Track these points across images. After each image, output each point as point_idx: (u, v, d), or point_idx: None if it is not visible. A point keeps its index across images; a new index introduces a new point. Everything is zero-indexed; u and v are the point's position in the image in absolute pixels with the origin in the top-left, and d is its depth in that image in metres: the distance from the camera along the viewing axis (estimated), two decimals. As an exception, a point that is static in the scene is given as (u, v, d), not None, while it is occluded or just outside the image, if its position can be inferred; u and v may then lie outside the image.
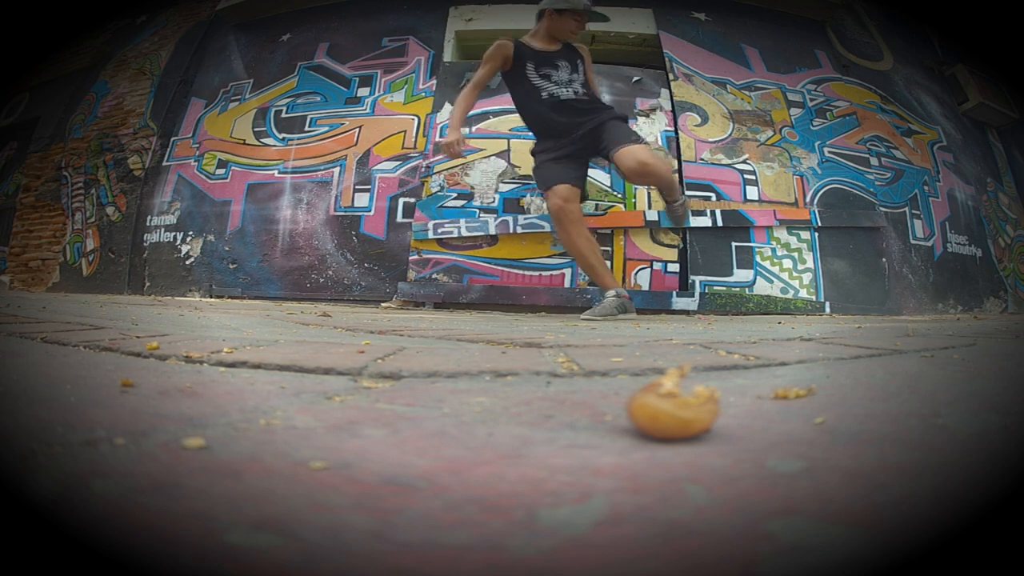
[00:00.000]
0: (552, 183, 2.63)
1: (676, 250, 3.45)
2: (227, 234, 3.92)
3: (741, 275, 3.42)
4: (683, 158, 3.59)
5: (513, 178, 3.52)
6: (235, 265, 3.86)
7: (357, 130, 3.90)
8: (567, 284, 3.40)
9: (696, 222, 3.44)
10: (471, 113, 3.64)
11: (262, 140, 4.07)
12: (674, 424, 0.41)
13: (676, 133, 3.67)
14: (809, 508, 0.28)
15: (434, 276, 3.45)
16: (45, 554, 0.23)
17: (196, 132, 4.30)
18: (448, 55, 4.04)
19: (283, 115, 4.10)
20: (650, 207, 3.51)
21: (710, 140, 3.69)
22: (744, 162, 3.66)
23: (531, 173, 2.93)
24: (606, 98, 3.58)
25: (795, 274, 3.47)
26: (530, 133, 2.92)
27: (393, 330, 1.44)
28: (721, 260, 3.43)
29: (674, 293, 3.34)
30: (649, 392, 0.42)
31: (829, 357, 0.91)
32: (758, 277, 3.43)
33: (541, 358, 0.87)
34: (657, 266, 3.42)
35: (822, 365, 0.83)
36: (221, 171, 4.07)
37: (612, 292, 2.56)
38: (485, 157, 3.59)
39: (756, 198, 3.58)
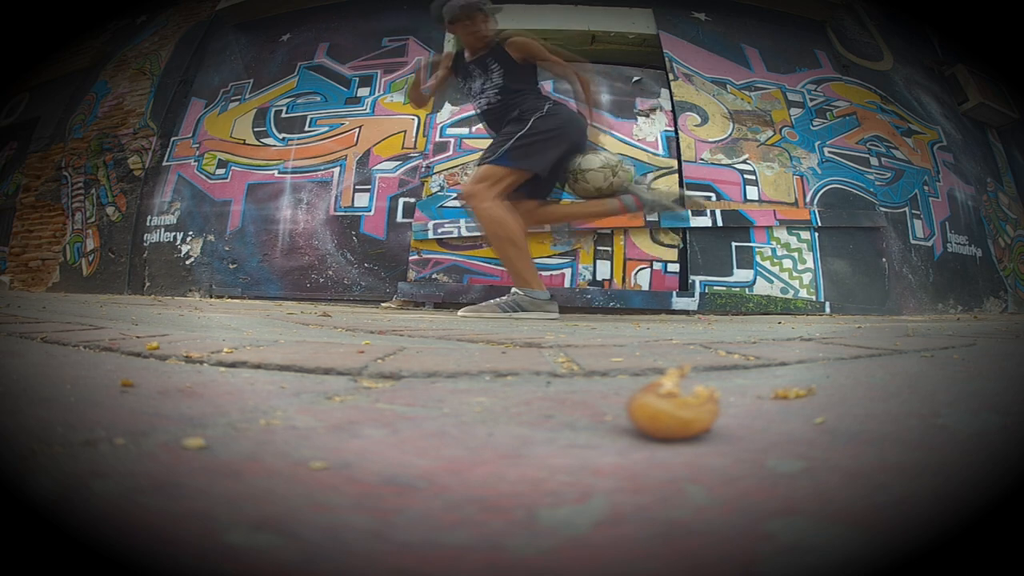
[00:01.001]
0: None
1: (676, 250, 3.45)
2: (227, 234, 3.92)
3: (741, 275, 3.42)
4: (683, 158, 3.59)
5: (513, 178, 3.52)
6: (235, 265, 3.86)
7: (357, 130, 3.90)
8: (567, 284, 3.40)
9: (696, 222, 3.44)
10: (470, 114, 3.65)
11: (262, 140, 4.07)
12: (674, 424, 0.41)
13: (676, 133, 3.67)
14: (809, 508, 0.28)
15: (434, 276, 3.45)
16: (45, 554, 0.23)
17: (196, 132, 4.30)
18: (448, 55, 4.04)
19: (283, 115, 4.10)
20: (650, 207, 3.51)
21: (710, 140, 3.69)
22: (744, 162, 3.66)
23: None
24: (604, 98, 3.58)
25: (795, 274, 3.47)
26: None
27: (393, 330, 1.44)
28: (721, 260, 3.43)
29: (674, 293, 3.34)
30: (649, 392, 0.42)
31: (829, 357, 0.91)
32: (758, 277, 3.43)
33: (541, 358, 0.87)
34: (657, 266, 3.42)
35: (822, 365, 0.83)
36: (221, 171, 4.07)
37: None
38: (485, 157, 3.59)
39: (756, 198, 3.58)
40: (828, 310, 3.40)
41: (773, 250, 3.49)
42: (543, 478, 0.33)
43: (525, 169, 2.42)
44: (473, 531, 0.26)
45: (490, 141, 2.60)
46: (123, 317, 1.62)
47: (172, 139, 4.37)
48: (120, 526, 0.25)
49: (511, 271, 2.46)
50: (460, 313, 2.41)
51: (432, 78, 2.72)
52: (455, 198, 2.45)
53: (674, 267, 3.42)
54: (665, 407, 0.41)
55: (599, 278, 3.41)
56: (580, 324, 1.96)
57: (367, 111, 3.97)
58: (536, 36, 2.64)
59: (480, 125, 2.69)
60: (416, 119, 3.85)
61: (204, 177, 4.11)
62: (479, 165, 2.50)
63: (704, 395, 0.42)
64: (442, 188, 3.56)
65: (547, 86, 3.22)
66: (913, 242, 3.84)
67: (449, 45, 4.07)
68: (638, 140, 3.67)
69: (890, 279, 3.61)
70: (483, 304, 2.44)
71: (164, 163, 4.31)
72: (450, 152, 3.64)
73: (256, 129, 4.11)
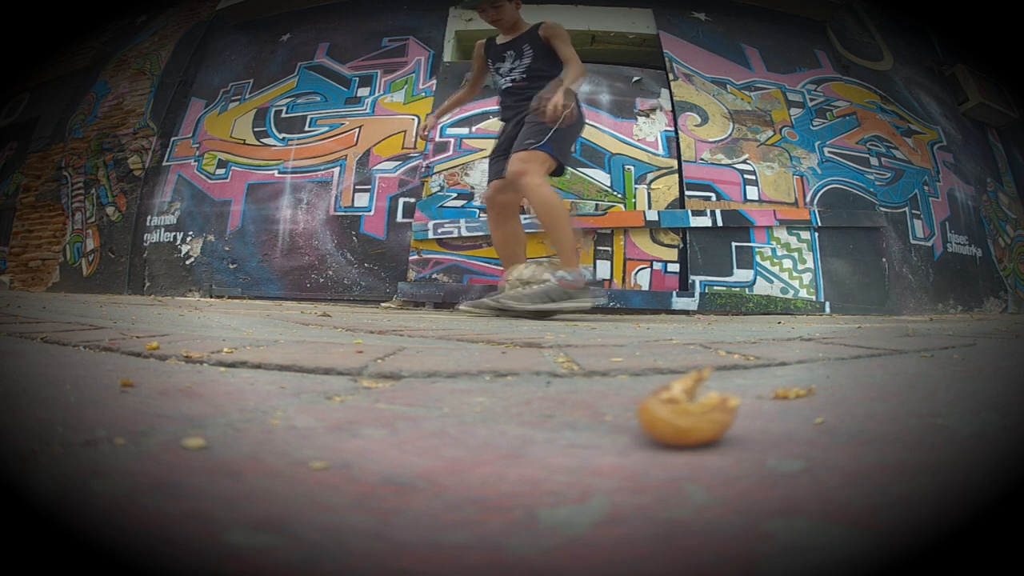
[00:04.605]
0: (488, 183, 2.73)
1: (676, 250, 3.45)
2: (227, 234, 3.92)
3: (741, 275, 3.42)
4: (683, 158, 3.59)
5: (513, 178, 3.52)
6: (235, 265, 3.86)
7: (357, 130, 3.91)
8: (567, 284, 3.40)
9: (696, 222, 3.44)
10: (470, 114, 3.65)
11: (262, 140, 4.07)
12: (669, 432, 0.40)
13: (676, 133, 3.67)
14: (809, 508, 0.28)
15: (434, 276, 3.45)
16: (45, 554, 0.23)
17: (196, 132, 4.30)
18: (448, 55, 4.04)
19: (283, 115, 4.10)
20: (650, 207, 3.51)
21: (710, 140, 3.69)
22: (744, 162, 3.66)
23: None
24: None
25: (795, 274, 3.47)
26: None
27: (393, 330, 1.44)
28: (721, 260, 3.43)
29: (674, 293, 3.34)
30: (654, 396, 0.42)
31: (829, 357, 0.91)
32: (758, 277, 3.43)
33: (541, 358, 0.87)
34: (657, 266, 3.42)
35: (822, 365, 0.83)
36: (221, 171, 4.07)
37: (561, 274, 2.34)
38: (485, 157, 3.59)
39: (756, 198, 3.58)
40: (828, 310, 3.40)
41: (773, 250, 3.49)
42: (543, 478, 0.33)
43: (559, 161, 2.48)
44: (473, 531, 0.26)
45: (508, 128, 2.63)
46: (123, 317, 1.62)
47: (172, 139, 4.37)
48: (120, 526, 0.25)
49: (562, 248, 2.40)
50: (464, 307, 2.41)
51: (470, 74, 2.91)
52: (507, 177, 2.39)
53: (674, 267, 3.42)
54: (663, 414, 0.40)
55: (599, 278, 3.41)
56: (580, 324, 1.96)
57: (367, 111, 3.97)
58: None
59: (489, 120, 2.80)
60: (416, 119, 3.86)
61: (204, 177, 4.11)
62: (520, 150, 2.40)
63: (711, 404, 0.40)
64: (442, 188, 3.56)
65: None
66: (913, 242, 3.84)
67: (449, 46, 4.08)
68: (638, 140, 3.67)
69: (890, 279, 3.61)
70: (504, 296, 2.29)
71: (164, 163, 4.32)
72: (450, 152, 3.64)
73: (256, 129, 4.11)
